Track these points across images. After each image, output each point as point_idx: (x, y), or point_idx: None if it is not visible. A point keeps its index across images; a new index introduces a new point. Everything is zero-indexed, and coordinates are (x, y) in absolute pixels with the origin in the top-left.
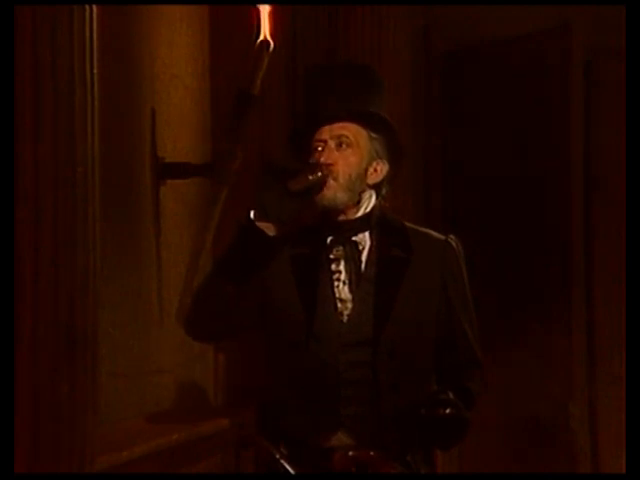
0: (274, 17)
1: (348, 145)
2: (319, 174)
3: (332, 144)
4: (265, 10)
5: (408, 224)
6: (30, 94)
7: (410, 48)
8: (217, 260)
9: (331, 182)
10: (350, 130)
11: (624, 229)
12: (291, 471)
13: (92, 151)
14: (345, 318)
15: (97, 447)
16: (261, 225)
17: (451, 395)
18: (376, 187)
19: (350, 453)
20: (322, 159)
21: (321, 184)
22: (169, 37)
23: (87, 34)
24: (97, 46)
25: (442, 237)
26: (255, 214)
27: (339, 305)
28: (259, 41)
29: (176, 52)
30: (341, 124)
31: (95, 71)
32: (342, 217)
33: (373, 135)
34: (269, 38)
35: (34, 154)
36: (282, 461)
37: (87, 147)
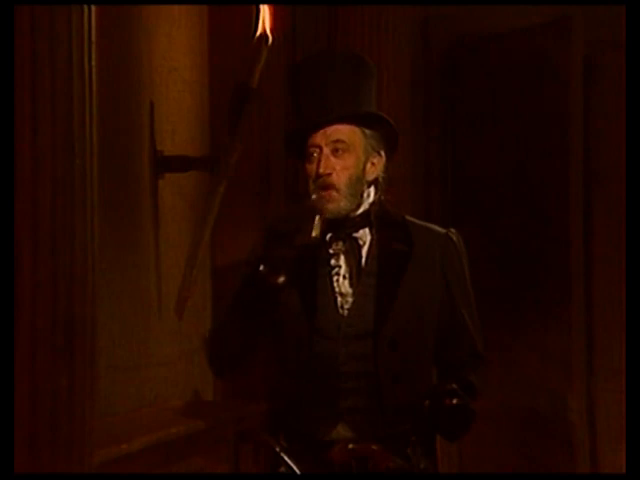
0: (273, 11)
1: (344, 150)
2: (317, 222)
3: (327, 150)
4: (264, 5)
5: (409, 218)
6: (28, 88)
7: (410, 45)
8: (228, 305)
9: (333, 193)
10: (345, 133)
11: (624, 227)
12: (290, 464)
13: (90, 144)
14: (345, 312)
15: (96, 440)
16: (271, 277)
17: (455, 386)
18: (374, 181)
19: (350, 446)
20: (320, 170)
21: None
22: (168, 31)
23: (85, 28)
24: (95, 40)
25: (443, 231)
26: (264, 268)
27: (339, 299)
28: (258, 35)
29: (175, 45)
30: (335, 127)
31: (93, 64)
32: (343, 216)
33: (367, 132)
34: (268, 32)
35: (32, 148)
36: (282, 454)
37: (85, 140)
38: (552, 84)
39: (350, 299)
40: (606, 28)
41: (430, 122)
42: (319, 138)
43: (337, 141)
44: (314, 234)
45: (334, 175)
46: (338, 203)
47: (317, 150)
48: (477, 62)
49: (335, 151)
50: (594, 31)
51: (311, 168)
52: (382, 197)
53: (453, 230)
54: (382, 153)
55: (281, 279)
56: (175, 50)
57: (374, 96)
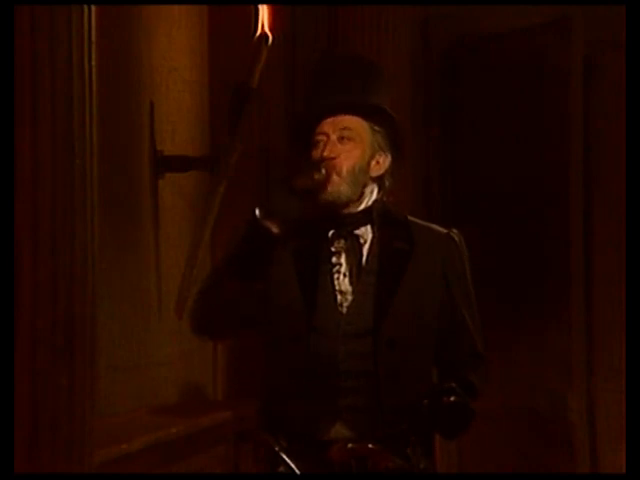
0: (273, 11)
1: (350, 138)
2: (323, 172)
3: (334, 137)
4: (264, 5)
5: (411, 218)
6: (28, 88)
7: (410, 45)
8: (223, 257)
9: (334, 177)
10: (352, 123)
11: (624, 227)
12: (290, 464)
13: (90, 144)
14: (344, 310)
15: (96, 440)
16: (266, 223)
17: (454, 385)
18: (378, 180)
19: (349, 446)
20: (325, 153)
21: (325, 182)
22: (168, 30)
23: (85, 27)
24: (95, 39)
25: (444, 231)
26: (260, 212)
27: (339, 297)
28: (258, 34)
29: (175, 45)
30: (343, 117)
31: (93, 64)
32: (344, 210)
33: (376, 128)
34: (268, 32)
35: (32, 148)
36: (281, 454)
37: (86, 140)
38: (552, 84)
39: (350, 297)
40: (606, 28)
41: (430, 122)
42: (327, 126)
43: (344, 128)
44: (317, 177)
45: (337, 160)
46: (338, 187)
47: (324, 138)
48: (477, 62)
49: (341, 138)
50: (594, 31)
51: (316, 153)
52: (385, 198)
53: (455, 231)
54: (388, 155)
55: (276, 229)
56: (175, 50)
57: (387, 102)
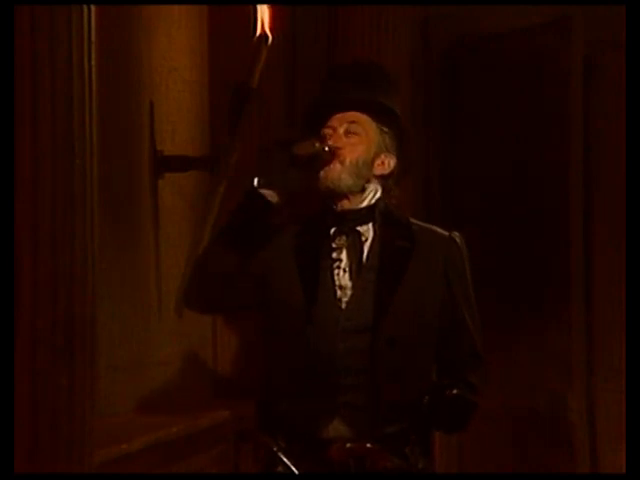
0: (273, 11)
1: (357, 133)
2: (326, 148)
3: (341, 130)
4: (264, 5)
5: (413, 220)
6: (28, 88)
7: (410, 45)
8: (220, 227)
9: (337, 165)
10: (360, 118)
11: (624, 227)
12: (289, 464)
13: (90, 144)
14: (344, 305)
15: (96, 440)
16: (264, 192)
17: (455, 380)
18: (383, 181)
19: (347, 445)
20: (330, 142)
21: (326, 159)
22: (168, 30)
23: (85, 27)
24: (95, 39)
25: (446, 233)
26: (259, 181)
27: (338, 292)
28: (258, 35)
29: (175, 45)
30: (353, 113)
31: (93, 64)
32: (346, 205)
33: (384, 129)
34: (268, 32)
35: (32, 148)
36: (280, 454)
37: (85, 140)
38: (552, 84)
39: (349, 292)
40: (606, 28)
41: (430, 122)
42: (335, 121)
43: (352, 122)
44: (317, 145)
45: (342, 150)
46: (340, 174)
47: (331, 131)
48: (477, 62)
49: (348, 132)
50: (594, 31)
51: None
52: (387, 200)
53: (456, 233)
54: (394, 157)
55: (273, 198)
56: (175, 50)
57: (397, 107)
